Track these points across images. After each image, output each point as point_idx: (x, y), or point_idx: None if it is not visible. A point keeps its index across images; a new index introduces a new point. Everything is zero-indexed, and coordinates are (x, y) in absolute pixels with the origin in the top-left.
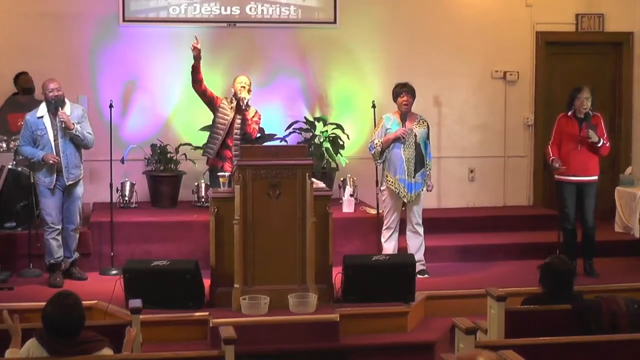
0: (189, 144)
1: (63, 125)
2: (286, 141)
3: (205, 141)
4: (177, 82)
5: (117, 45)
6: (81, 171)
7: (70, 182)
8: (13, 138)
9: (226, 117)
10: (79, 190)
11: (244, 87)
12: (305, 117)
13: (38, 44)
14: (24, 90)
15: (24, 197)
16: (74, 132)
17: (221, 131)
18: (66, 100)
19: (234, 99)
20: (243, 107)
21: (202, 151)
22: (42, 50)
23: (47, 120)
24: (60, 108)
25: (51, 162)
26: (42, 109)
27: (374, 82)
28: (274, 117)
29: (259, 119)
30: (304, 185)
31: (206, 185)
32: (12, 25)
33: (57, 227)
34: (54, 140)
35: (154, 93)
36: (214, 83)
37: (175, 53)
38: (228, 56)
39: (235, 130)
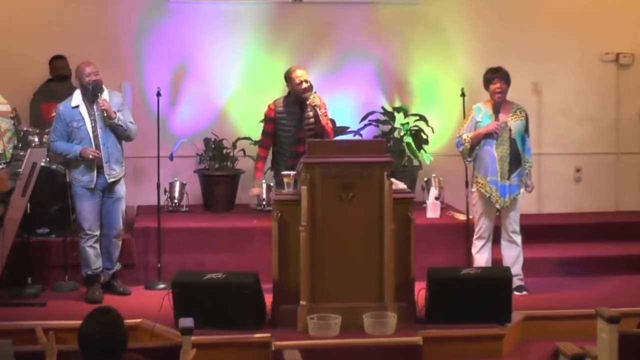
0: (248, 138)
1: (104, 114)
2: (360, 135)
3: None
4: (233, 67)
5: (165, 25)
6: (123, 168)
7: (112, 180)
8: (47, 131)
9: (287, 128)
10: (121, 190)
11: (305, 81)
12: (382, 107)
13: (75, 24)
14: (60, 77)
15: (58, 200)
16: (116, 121)
17: (286, 143)
18: (104, 86)
19: (288, 98)
20: (311, 111)
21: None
22: (79, 32)
23: (83, 109)
24: (99, 95)
25: (91, 156)
26: (77, 98)
27: (463, 67)
28: (346, 108)
29: (326, 109)
30: (381, 186)
31: (268, 186)
32: (45, 2)
33: (95, 233)
34: (93, 132)
35: (207, 80)
36: (273, 71)
37: (232, 33)
38: (291, 38)
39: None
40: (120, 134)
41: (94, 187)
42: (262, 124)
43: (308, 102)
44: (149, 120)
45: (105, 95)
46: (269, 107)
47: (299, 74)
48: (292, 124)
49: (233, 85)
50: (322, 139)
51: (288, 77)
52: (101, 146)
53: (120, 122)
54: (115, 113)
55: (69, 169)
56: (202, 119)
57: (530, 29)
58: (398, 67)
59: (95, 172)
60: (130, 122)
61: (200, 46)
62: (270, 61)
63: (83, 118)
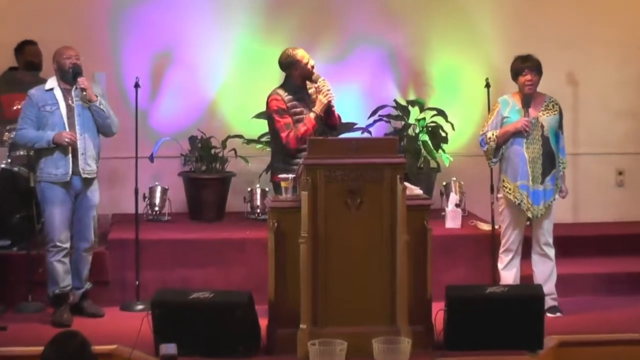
0: (240, 136)
1: (84, 94)
2: (370, 132)
3: (262, 135)
4: (224, 55)
5: (145, 7)
6: (98, 166)
7: (86, 176)
8: (8, 128)
9: (301, 117)
10: (95, 197)
11: (313, 66)
12: (395, 101)
13: (40, 4)
14: (28, 65)
15: (21, 207)
16: (97, 104)
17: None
18: (101, 80)
19: (290, 86)
20: (326, 101)
21: (258, 153)
22: (45, 14)
23: (58, 92)
24: (79, 76)
25: (66, 141)
26: (52, 81)
27: (488, 54)
28: (353, 101)
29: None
30: (393, 192)
31: (263, 191)
32: None
33: (65, 245)
34: (68, 119)
35: (194, 69)
36: (268, 60)
37: (222, 16)
38: (290, 22)
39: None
40: (101, 122)
41: (69, 184)
42: (255, 120)
43: (317, 85)
44: (126, 115)
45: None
46: (275, 98)
47: (304, 54)
48: (306, 113)
49: (223, 75)
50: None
51: (292, 61)
52: (78, 135)
53: (102, 106)
54: (96, 96)
55: (36, 168)
56: (187, 114)
57: (564, 13)
58: (413, 55)
59: (70, 164)
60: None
61: (185, 30)
62: (265, 48)
63: (57, 102)
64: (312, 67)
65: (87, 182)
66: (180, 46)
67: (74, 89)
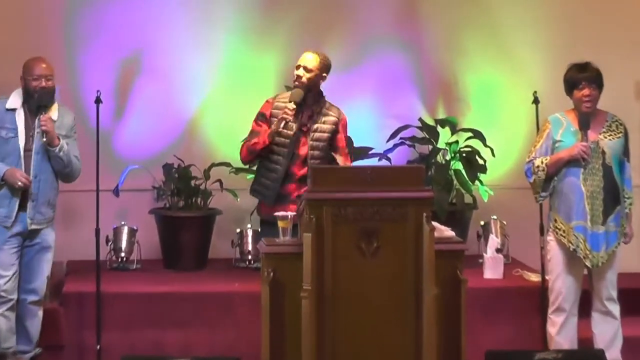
0: (228, 164)
1: (44, 138)
2: (389, 159)
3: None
4: (206, 62)
5: (109, 4)
6: (54, 212)
7: (33, 227)
8: None
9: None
10: (49, 237)
11: (302, 65)
12: (420, 120)
13: None
14: None
15: None
16: (56, 151)
17: (280, 156)
18: (56, 97)
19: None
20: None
21: (249, 186)
22: None
23: (20, 116)
24: (44, 109)
25: (19, 183)
26: (16, 99)
27: (537, 62)
28: (368, 119)
29: (345, 126)
30: (418, 234)
31: (256, 232)
32: None
33: (10, 297)
34: (25, 152)
35: (169, 79)
36: (262, 69)
37: (206, 15)
38: (290, 20)
39: (309, 151)
40: (59, 169)
41: (10, 226)
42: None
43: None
44: (85, 137)
45: (54, 111)
46: (267, 101)
47: (304, 57)
48: (291, 128)
49: (206, 87)
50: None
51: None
52: (32, 177)
53: (62, 154)
54: (59, 139)
55: None
56: (161, 136)
57: (629, 13)
58: (443, 63)
59: (17, 205)
60: (75, 157)
61: (158, 32)
62: (259, 54)
63: (17, 128)
64: (297, 78)
65: (38, 228)
66: (151, 51)
67: (39, 116)
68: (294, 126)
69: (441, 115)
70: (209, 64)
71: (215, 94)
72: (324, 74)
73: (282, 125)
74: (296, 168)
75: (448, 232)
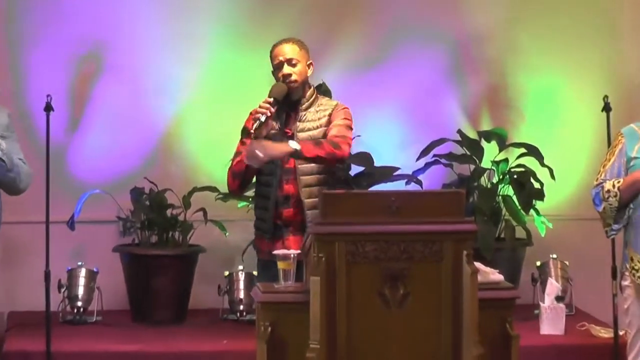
0: (213, 189)
1: None
2: (419, 182)
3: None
4: (185, 60)
5: None
6: None
7: None
8: None
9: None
10: None
11: (284, 61)
12: (459, 132)
13: None
14: None
15: None
16: None
17: (269, 175)
18: None
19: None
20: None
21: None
22: None
23: None
24: None
25: None
26: None
27: (609, 59)
28: (392, 132)
29: (349, 118)
30: (457, 278)
31: (249, 276)
32: None
33: None
34: None
35: (138, 81)
36: (257, 70)
37: (181, 2)
38: (292, 8)
39: (295, 161)
40: (0, 177)
41: None
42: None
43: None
44: (32, 154)
45: None
46: (250, 112)
47: (281, 50)
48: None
49: (186, 91)
50: (342, 183)
51: (270, 55)
52: None
53: (1, 155)
54: None
55: None
56: (129, 153)
57: None
58: (490, 58)
59: None
60: (20, 159)
61: (126, 22)
62: (253, 51)
63: None
64: (286, 77)
65: None
66: (115, 46)
67: None
68: (275, 125)
69: (486, 126)
70: (188, 63)
71: (197, 100)
72: (310, 62)
73: (256, 125)
74: (291, 186)
75: (495, 276)
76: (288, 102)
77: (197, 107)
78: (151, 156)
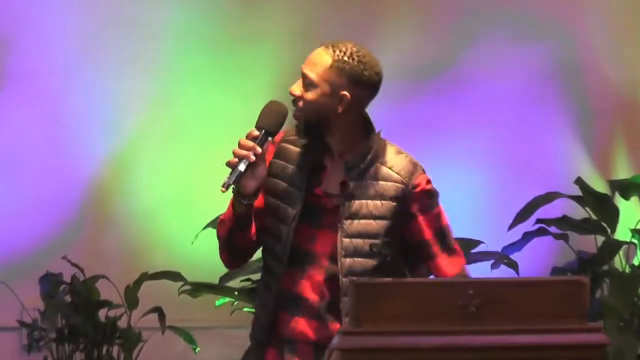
0: (175, 275)
1: None
2: (513, 264)
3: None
4: (127, 71)
5: None
6: None
7: None
8: None
9: (285, 204)
10: None
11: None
12: (578, 182)
13: None
14: None
15: None
16: None
17: (274, 259)
18: None
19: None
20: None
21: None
22: None
23: None
24: None
25: None
26: None
27: None
28: (467, 183)
29: (429, 194)
30: None
31: None
32: None
33: None
34: None
35: (53, 101)
36: (250, 83)
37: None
38: (284, 25)
39: (343, 258)
40: None
41: None
42: (204, 233)
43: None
44: None
45: None
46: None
47: (307, 60)
48: (292, 200)
49: (128, 121)
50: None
51: None
52: None
53: None
54: None
55: None
56: (37, 217)
57: None
58: (629, 65)
59: None
60: None
61: (35, 14)
62: (236, 64)
63: None
64: (294, 100)
65: None
66: (20, 48)
67: None
68: (290, 186)
69: (622, 173)
70: (135, 74)
71: (147, 132)
72: (351, 89)
73: (233, 179)
74: (316, 274)
75: None
76: (316, 134)
77: (147, 143)
78: (73, 221)
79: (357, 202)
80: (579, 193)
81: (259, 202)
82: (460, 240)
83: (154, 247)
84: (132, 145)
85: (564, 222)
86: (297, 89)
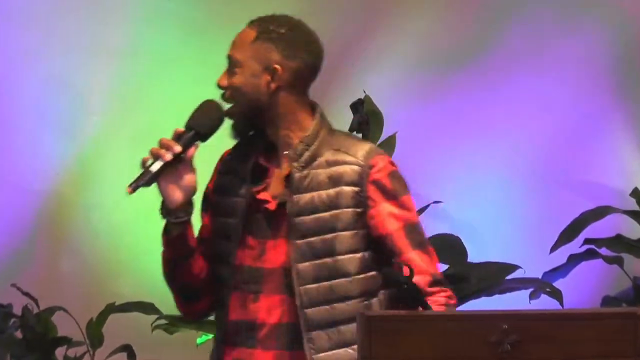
0: (147, 306)
1: None
2: (556, 294)
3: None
4: (86, 64)
5: None
6: None
7: None
8: None
9: (229, 218)
10: None
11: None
12: (634, 195)
13: None
14: None
15: None
16: None
17: (225, 276)
18: None
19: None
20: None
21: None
22: None
23: None
24: None
25: None
26: None
27: None
28: (500, 197)
29: (412, 204)
30: None
31: None
32: None
33: None
34: None
35: (14, 110)
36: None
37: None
38: (273, 12)
39: (295, 265)
40: None
41: None
42: None
43: None
44: None
45: None
46: (219, 159)
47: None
48: (235, 212)
49: (88, 124)
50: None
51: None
52: None
53: None
54: None
55: None
56: None
57: None
58: None
59: None
60: None
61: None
62: (210, 62)
63: None
64: (221, 92)
65: None
66: None
67: None
68: (234, 197)
69: None
70: (96, 70)
71: (112, 136)
72: (283, 60)
73: (145, 178)
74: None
75: None
76: (261, 134)
77: (112, 146)
78: (25, 242)
79: (306, 195)
80: (636, 208)
81: (206, 228)
82: (492, 264)
83: (122, 272)
84: (94, 150)
85: (617, 242)
86: (222, 78)
